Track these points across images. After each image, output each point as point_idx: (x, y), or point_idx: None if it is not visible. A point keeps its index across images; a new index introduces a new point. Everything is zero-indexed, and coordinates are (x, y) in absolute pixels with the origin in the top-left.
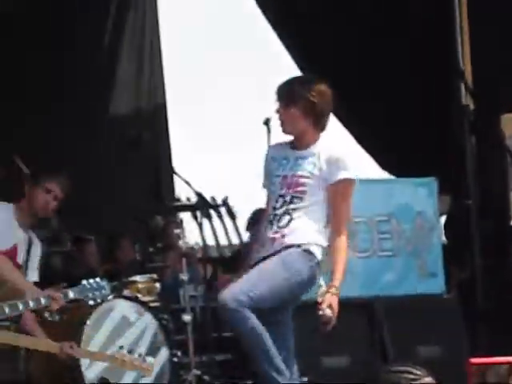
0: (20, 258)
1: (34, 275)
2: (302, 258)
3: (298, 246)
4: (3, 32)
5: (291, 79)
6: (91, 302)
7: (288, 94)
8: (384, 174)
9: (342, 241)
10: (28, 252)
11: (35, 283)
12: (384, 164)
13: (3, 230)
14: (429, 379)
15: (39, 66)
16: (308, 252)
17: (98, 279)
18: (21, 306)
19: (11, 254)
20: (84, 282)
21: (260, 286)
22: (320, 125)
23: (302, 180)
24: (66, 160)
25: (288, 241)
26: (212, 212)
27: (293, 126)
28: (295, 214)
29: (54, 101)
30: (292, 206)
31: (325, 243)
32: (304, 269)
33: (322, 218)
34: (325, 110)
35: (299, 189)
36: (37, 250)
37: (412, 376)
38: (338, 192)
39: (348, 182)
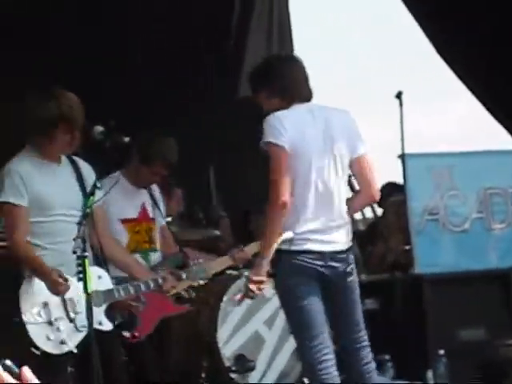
0: (150, 213)
1: (161, 221)
2: None
3: None
4: None
5: None
6: (200, 282)
7: None
8: None
9: None
10: (155, 204)
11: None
12: None
13: (123, 199)
14: None
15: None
16: None
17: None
18: (142, 287)
19: (143, 214)
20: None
21: None
22: None
23: None
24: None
25: None
26: None
27: None
28: None
29: (182, 75)
30: None
31: None
32: None
33: None
34: None
35: None
36: (160, 200)
37: None
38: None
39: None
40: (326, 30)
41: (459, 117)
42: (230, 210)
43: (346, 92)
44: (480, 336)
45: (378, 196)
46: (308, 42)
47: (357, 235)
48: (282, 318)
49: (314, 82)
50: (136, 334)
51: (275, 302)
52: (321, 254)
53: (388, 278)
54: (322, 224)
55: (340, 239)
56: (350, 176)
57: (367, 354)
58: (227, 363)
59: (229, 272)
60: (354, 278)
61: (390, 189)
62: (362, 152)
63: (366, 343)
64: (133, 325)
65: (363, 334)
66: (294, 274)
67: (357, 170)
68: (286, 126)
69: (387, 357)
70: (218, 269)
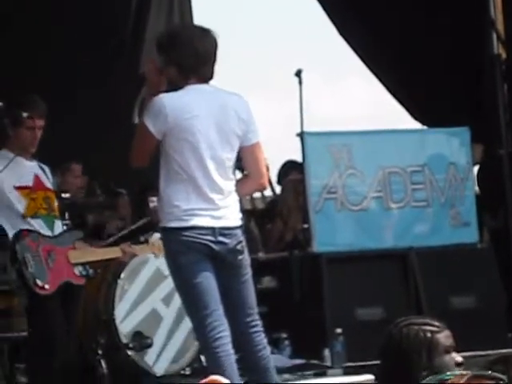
0: (45, 183)
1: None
2: None
3: None
4: None
5: None
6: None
7: None
8: (416, 125)
9: None
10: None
11: None
12: (416, 114)
13: (15, 169)
14: (448, 332)
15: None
16: None
17: None
18: None
19: (38, 182)
20: None
21: None
22: None
23: None
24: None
25: None
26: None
27: None
28: None
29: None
30: None
31: None
32: None
33: None
34: None
35: None
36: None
37: (431, 328)
38: None
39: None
40: (228, 6)
41: (359, 96)
42: (129, 187)
43: (246, 70)
44: (378, 315)
45: (266, 184)
46: (209, 16)
47: (255, 213)
48: (178, 296)
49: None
50: (46, 286)
51: None
52: (210, 230)
53: (286, 256)
54: (210, 200)
55: (229, 215)
56: (239, 159)
57: (261, 340)
58: (124, 340)
59: None
60: (245, 257)
61: (290, 167)
62: (254, 141)
63: (260, 328)
64: (43, 275)
65: (256, 319)
66: (184, 251)
67: (248, 157)
68: (167, 112)
69: (284, 335)
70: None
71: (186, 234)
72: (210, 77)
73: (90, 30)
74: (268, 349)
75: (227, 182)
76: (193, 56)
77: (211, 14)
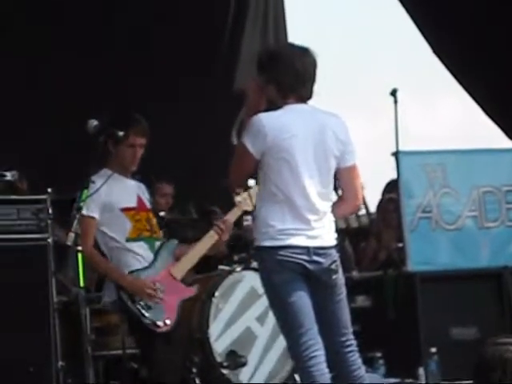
0: (146, 203)
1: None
2: None
3: None
4: None
5: None
6: None
7: None
8: (511, 144)
9: None
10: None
11: None
12: (511, 133)
13: (119, 189)
14: None
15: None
16: None
17: None
18: None
19: (141, 203)
20: None
21: None
22: None
23: None
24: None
25: None
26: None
27: None
28: None
29: (182, 75)
30: None
31: None
32: None
33: None
34: None
35: None
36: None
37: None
38: None
39: None
40: (321, 26)
41: (453, 115)
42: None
43: (342, 90)
44: (472, 335)
45: (360, 206)
46: (303, 35)
47: (349, 232)
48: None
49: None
50: (167, 321)
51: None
52: (305, 249)
53: (380, 275)
54: (306, 221)
55: (324, 235)
56: (336, 180)
57: (356, 360)
58: (219, 359)
59: (221, 267)
60: (339, 276)
61: (393, 186)
62: (351, 163)
63: (354, 348)
64: (160, 313)
65: (350, 338)
66: (279, 270)
67: (344, 178)
68: (266, 131)
69: (379, 354)
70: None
71: (281, 253)
72: (309, 97)
73: (189, 46)
74: (363, 368)
75: (324, 203)
76: (293, 75)
77: (305, 33)
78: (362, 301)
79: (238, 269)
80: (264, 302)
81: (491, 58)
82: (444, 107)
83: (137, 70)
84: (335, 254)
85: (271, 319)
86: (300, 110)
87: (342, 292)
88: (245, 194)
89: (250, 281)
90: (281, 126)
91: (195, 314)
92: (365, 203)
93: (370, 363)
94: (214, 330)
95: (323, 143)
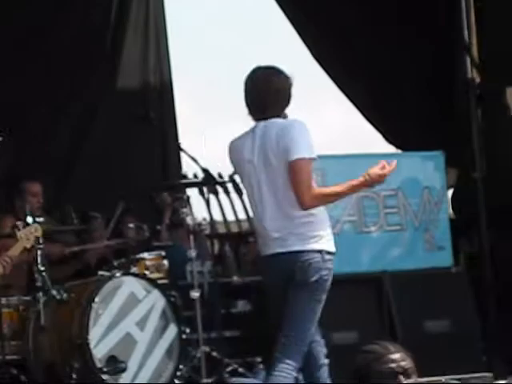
0: None
1: None
2: None
3: None
4: None
5: None
6: None
7: None
8: (390, 148)
9: None
10: None
11: None
12: (390, 138)
13: None
14: (397, 356)
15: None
16: None
17: None
18: None
19: None
20: None
21: None
22: None
23: None
24: (74, 137)
25: None
26: (219, 188)
27: None
28: None
29: (56, 76)
30: None
31: None
32: None
33: None
34: None
35: None
36: None
37: (372, 356)
38: None
39: None
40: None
41: (333, 120)
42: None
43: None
44: (352, 339)
45: (307, 203)
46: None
47: (230, 237)
48: (153, 320)
49: None
50: None
51: (147, 303)
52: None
53: (261, 280)
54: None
55: None
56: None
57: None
58: (99, 364)
59: (101, 273)
60: None
61: None
62: (292, 158)
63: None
64: None
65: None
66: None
67: (290, 176)
68: (230, 156)
69: (259, 359)
70: None
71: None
72: (260, 114)
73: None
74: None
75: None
76: (247, 97)
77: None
78: (242, 306)
79: (118, 274)
80: (144, 307)
81: (370, 64)
82: (323, 112)
83: (17, 70)
84: None
85: (151, 324)
86: (254, 127)
87: None
88: (27, 230)
89: (129, 286)
90: (237, 149)
91: (75, 320)
92: (245, 207)
93: (249, 368)
94: (94, 335)
95: (266, 152)
